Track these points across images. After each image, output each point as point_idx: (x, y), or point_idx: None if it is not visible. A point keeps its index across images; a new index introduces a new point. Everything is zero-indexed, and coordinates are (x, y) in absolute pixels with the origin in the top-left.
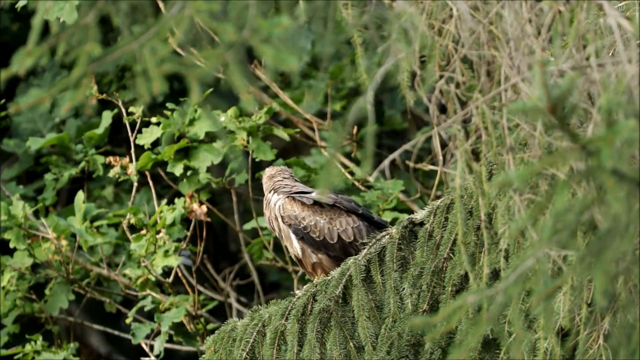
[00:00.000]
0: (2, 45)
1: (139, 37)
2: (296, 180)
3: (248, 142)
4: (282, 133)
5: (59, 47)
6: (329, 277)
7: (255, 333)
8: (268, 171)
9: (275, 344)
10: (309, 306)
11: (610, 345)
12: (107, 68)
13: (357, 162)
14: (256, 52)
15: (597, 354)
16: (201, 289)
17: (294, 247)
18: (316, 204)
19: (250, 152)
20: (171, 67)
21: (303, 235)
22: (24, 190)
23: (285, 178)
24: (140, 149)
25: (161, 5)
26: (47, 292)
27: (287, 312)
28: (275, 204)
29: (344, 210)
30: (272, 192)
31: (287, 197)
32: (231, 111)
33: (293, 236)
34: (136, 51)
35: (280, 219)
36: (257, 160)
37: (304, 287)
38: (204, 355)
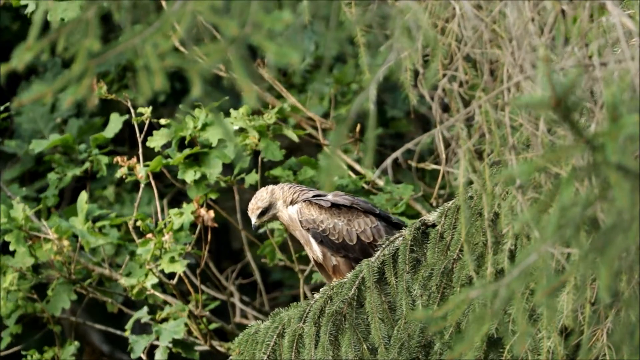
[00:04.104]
0: (3, 44)
1: (141, 33)
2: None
3: (259, 140)
4: (292, 134)
5: (59, 43)
6: (344, 280)
7: (275, 336)
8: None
9: (294, 347)
10: (326, 309)
11: (613, 343)
12: (108, 64)
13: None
14: (259, 48)
15: (600, 352)
16: (204, 287)
17: (314, 250)
18: (334, 206)
19: (260, 151)
20: (173, 61)
21: (322, 239)
22: (26, 192)
23: (294, 186)
24: (147, 150)
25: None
26: (49, 292)
27: (305, 315)
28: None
29: (361, 211)
30: (290, 204)
31: (305, 201)
32: (243, 109)
33: (313, 240)
34: (138, 46)
35: (299, 224)
36: (265, 160)
37: (321, 289)
38: (231, 358)
